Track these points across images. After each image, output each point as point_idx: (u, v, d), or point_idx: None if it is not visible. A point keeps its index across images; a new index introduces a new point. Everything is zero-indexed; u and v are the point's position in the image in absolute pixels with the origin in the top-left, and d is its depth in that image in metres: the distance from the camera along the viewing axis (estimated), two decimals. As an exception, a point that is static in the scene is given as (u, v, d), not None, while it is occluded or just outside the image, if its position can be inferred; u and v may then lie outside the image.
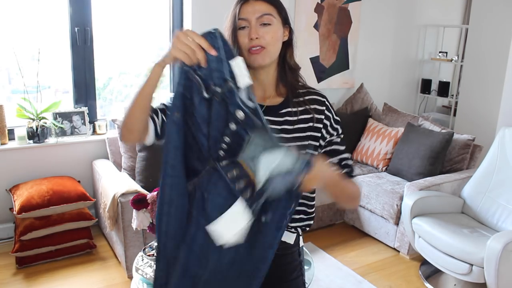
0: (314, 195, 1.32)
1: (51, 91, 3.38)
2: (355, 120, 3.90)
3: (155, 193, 1.96)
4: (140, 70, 3.70)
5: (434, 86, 4.86)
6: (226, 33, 1.19)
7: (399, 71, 4.74)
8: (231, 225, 1.05)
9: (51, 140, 3.12)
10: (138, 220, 1.98)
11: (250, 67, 1.17)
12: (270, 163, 1.02)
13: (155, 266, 1.19)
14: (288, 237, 1.29)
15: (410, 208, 2.77)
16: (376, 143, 3.63)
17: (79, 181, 3.13)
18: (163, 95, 1.33)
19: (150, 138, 1.18)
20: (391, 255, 3.12)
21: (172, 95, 1.12)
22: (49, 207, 2.74)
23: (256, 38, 1.16)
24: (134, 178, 2.99)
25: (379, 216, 3.21)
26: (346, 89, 4.35)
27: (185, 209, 1.13)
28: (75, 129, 3.22)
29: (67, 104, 3.30)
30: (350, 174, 1.28)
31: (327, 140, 1.26)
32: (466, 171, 3.22)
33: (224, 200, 1.07)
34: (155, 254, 1.18)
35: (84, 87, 3.29)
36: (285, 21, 1.23)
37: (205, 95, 1.06)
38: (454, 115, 4.55)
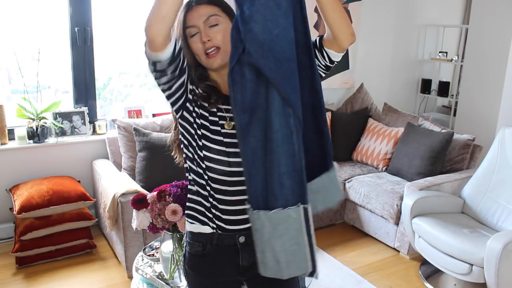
0: None
1: (51, 91, 3.38)
2: (355, 120, 3.90)
3: (155, 193, 1.95)
4: (140, 70, 3.70)
5: (434, 86, 4.86)
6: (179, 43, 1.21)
7: (399, 71, 4.74)
8: None
9: (51, 140, 3.12)
10: (138, 220, 1.98)
11: (211, 69, 1.23)
12: None
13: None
14: None
15: (410, 208, 2.77)
16: (376, 143, 3.63)
17: (79, 181, 3.14)
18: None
19: (169, 48, 1.10)
20: (391, 255, 3.12)
21: None
22: (49, 207, 2.74)
23: (208, 40, 1.18)
24: (134, 178, 2.99)
25: (379, 216, 3.21)
26: (346, 89, 4.35)
27: None
28: (75, 129, 3.22)
29: (67, 104, 3.30)
30: None
31: None
32: (466, 171, 3.22)
33: None
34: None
35: (84, 87, 3.29)
36: (233, 18, 1.22)
37: None
38: (454, 115, 4.55)
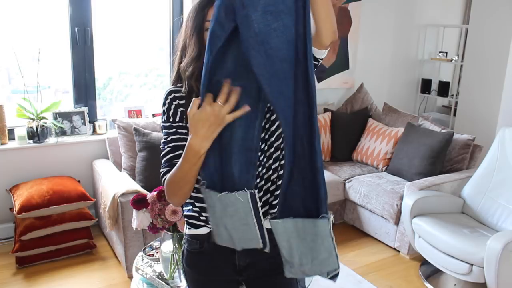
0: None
1: (51, 91, 3.38)
2: (355, 120, 3.90)
3: (155, 193, 1.95)
4: (140, 70, 3.70)
5: (434, 86, 4.86)
6: (185, 35, 1.22)
7: (399, 71, 4.74)
8: None
9: (51, 140, 3.12)
10: (138, 220, 1.98)
11: None
12: None
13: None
14: None
15: (410, 208, 2.77)
16: (376, 143, 3.63)
17: (79, 181, 3.13)
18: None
19: None
20: (391, 255, 3.12)
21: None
22: (49, 207, 2.74)
23: None
24: (134, 178, 2.99)
25: (379, 216, 3.21)
26: (346, 89, 4.35)
27: None
28: (75, 129, 3.22)
29: (67, 104, 3.30)
30: None
31: None
32: (466, 171, 3.22)
33: None
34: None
35: (84, 87, 3.29)
36: None
37: None
38: (454, 115, 4.55)
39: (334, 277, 1.16)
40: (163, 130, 1.26)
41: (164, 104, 1.26)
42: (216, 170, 1.12)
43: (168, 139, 1.24)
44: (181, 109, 1.24)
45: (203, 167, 1.13)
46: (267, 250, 1.18)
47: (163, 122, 1.26)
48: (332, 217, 1.12)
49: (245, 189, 1.12)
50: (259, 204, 1.15)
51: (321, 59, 1.21)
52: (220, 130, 1.08)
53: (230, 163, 1.12)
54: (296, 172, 1.11)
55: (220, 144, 1.10)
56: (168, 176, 1.18)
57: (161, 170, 1.23)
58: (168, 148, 1.23)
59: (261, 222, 1.15)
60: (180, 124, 1.24)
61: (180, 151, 1.21)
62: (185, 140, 1.22)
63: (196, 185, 1.24)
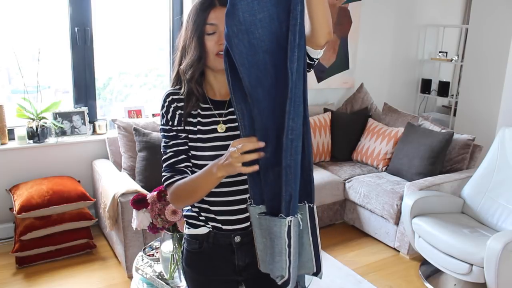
0: None
1: (51, 91, 3.38)
2: (355, 120, 3.90)
3: (155, 193, 1.95)
4: (140, 70, 3.70)
5: (434, 86, 4.86)
6: (185, 36, 1.21)
7: (399, 71, 4.74)
8: None
9: (51, 140, 3.12)
10: (138, 220, 1.98)
11: (214, 70, 1.22)
12: None
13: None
14: None
15: (410, 208, 2.77)
16: (376, 143, 3.63)
17: (79, 181, 3.13)
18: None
19: None
20: (391, 255, 3.12)
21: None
22: (49, 207, 2.74)
23: None
24: (134, 178, 2.99)
25: (379, 216, 3.21)
26: (346, 89, 4.35)
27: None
28: (75, 129, 3.22)
29: (67, 104, 3.30)
30: None
31: None
32: (466, 171, 3.22)
33: None
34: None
35: (84, 87, 3.29)
36: None
37: None
38: (454, 115, 4.55)
39: (284, 284, 1.13)
40: (163, 133, 1.25)
41: (162, 107, 1.25)
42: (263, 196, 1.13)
43: (170, 143, 1.23)
44: (179, 111, 1.24)
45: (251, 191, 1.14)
46: (319, 277, 1.17)
47: (162, 125, 1.26)
48: (292, 219, 1.06)
49: (305, 201, 1.13)
50: (317, 221, 1.14)
51: (317, 59, 1.20)
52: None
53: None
54: (266, 164, 1.09)
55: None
56: (181, 181, 1.18)
57: (163, 174, 1.22)
58: (171, 153, 1.22)
59: (317, 242, 1.15)
60: (179, 128, 1.23)
61: (183, 156, 1.21)
62: (186, 144, 1.22)
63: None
